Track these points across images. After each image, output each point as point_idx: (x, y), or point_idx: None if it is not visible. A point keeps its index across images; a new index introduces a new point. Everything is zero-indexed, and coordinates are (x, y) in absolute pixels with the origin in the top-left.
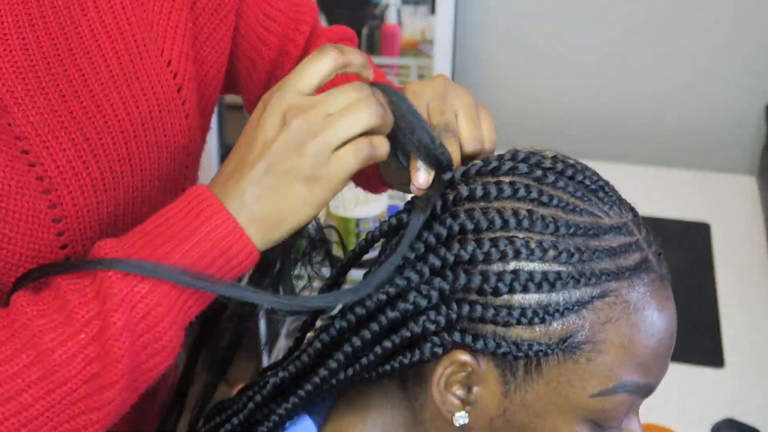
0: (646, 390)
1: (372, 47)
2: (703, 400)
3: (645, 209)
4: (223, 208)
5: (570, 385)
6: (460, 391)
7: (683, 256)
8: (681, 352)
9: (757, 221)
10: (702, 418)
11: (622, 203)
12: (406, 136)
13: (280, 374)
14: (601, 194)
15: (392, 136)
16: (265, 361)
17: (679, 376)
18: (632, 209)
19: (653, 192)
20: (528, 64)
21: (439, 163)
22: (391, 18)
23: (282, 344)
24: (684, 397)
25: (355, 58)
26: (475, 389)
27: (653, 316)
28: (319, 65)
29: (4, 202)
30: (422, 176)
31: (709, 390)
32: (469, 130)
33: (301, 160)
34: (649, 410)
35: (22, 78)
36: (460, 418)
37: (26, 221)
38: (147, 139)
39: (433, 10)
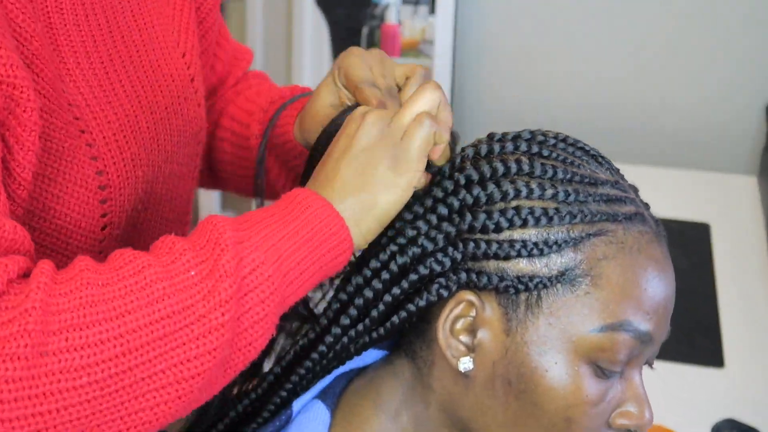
0: (646, 337)
1: (372, 47)
2: (703, 400)
3: None
4: (326, 201)
5: (569, 320)
6: (465, 338)
7: (683, 256)
8: (681, 352)
9: (757, 221)
10: (702, 418)
11: (620, 174)
12: None
13: (300, 342)
14: (600, 160)
15: None
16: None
17: (679, 376)
18: (632, 184)
19: (653, 192)
20: (528, 64)
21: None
22: (391, 18)
23: (282, 343)
24: (684, 397)
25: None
26: (479, 333)
27: (649, 262)
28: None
29: (57, 163)
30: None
31: (709, 390)
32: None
33: (381, 145)
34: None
35: (74, 53)
36: (465, 362)
37: (75, 183)
38: (170, 122)
39: (433, 10)
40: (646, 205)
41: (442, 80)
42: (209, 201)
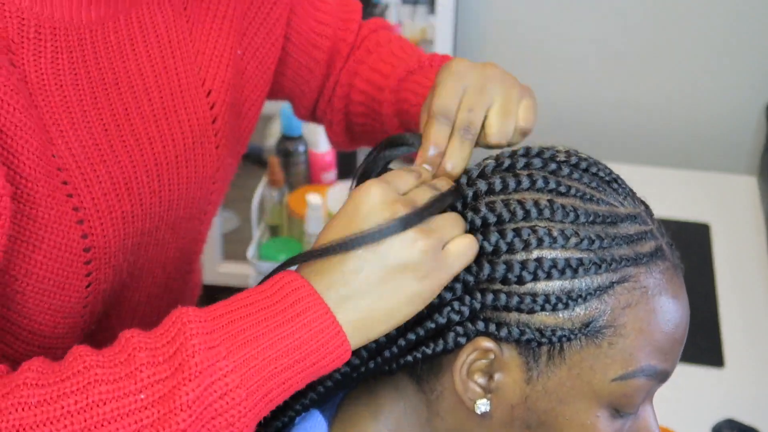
0: (663, 375)
1: None
2: (703, 400)
3: None
4: (322, 302)
5: (592, 370)
6: (481, 379)
7: (683, 256)
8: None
9: (757, 221)
10: (702, 418)
11: (634, 195)
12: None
13: None
14: (615, 185)
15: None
16: None
17: (679, 376)
18: (643, 202)
19: (653, 192)
20: (528, 65)
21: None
22: (391, 18)
23: None
24: (684, 397)
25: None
26: (497, 376)
27: (669, 302)
28: (409, 178)
29: (42, 231)
30: None
31: (709, 390)
32: (496, 125)
33: (417, 254)
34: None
35: (70, 112)
36: (482, 405)
37: (59, 249)
38: (179, 171)
39: (433, 10)
40: (661, 230)
41: None
42: None
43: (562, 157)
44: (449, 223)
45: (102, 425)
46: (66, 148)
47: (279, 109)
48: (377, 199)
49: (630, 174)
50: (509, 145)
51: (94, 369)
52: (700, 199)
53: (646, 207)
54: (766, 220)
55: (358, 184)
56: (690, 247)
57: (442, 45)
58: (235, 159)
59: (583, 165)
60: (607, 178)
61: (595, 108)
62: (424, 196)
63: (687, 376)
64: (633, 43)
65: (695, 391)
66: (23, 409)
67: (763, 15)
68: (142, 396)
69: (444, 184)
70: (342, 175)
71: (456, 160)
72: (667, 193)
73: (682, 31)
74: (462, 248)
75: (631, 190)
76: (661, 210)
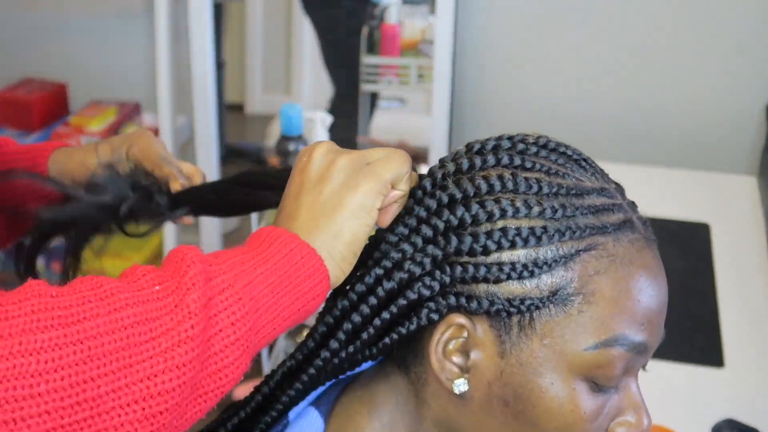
0: (641, 347)
1: (372, 47)
2: (703, 400)
3: (645, 209)
4: (292, 233)
5: (563, 339)
6: (458, 359)
7: (683, 256)
8: (681, 352)
9: (757, 221)
10: (702, 418)
11: (605, 175)
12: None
13: (288, 363)
14: (583, 164)
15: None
16: (265, 360)
17: (679, 376)
18: (617, 184)
19: (653, 192)
20: (528, 65)
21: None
22: (391, 18)
23: (281, 344)
24: (684, 397)
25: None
26: (472, 354)
27: (641, 271)
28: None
29: None
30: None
31: (709, 390)
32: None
33: (341, 173)
34: (649, 410)
35: None
36: (460, 384)
37: None
38: None
39: (433, 10)
40: (634, 206)
41: (442, 80)
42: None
43: (530, 140)
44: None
45: (124, 308)
46: None
47: (279, 109)
48: (320, 152)
49: (630, 174)
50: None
51: (101, 277)
52: (700, 199)
53: (618, 186)
54: (766, 220)
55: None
56: (690, 247)
57: (442, 45)
58: None
59: (552, 145)
60: (575, 157)
61: (595, 108)
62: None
63: (687, 376)
64: (633, 43)
65: (695, 391)
66: (42, 298)
67: (763, 15)
68: (157, 288)
69: None
70: None
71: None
72: (667, 193)
73: (682, 31)
74: (386, 155)
75: (601, 170)
76: (661, 210)
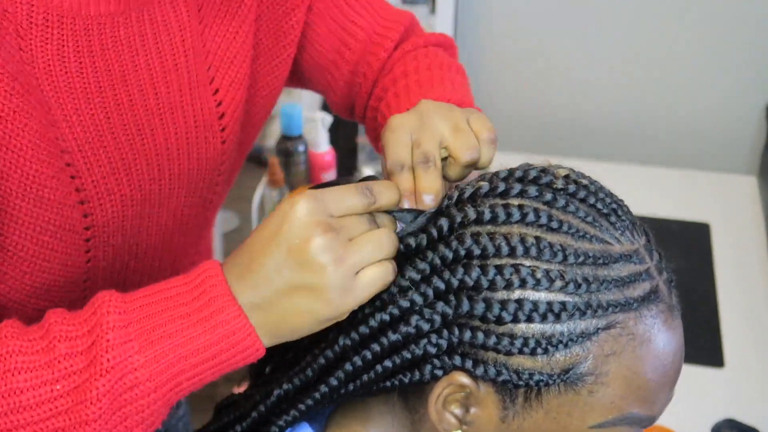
0: (647, 422)
1: None
2: (703, 400)
3: (645, 209)
4: (236, 304)
5: (569, 416)
6: (457, 410)
7: (683, 256)
8: None
9: (757, 221)
10: (702, 418)
11: (635, 227)
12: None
13: (285, 386)
14: (613, 218)
15: None
16: None
17: (680, 376)
18: (645, 233)
19: (653, 192)
20: (528, 64)
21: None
22: None
23: None
24: (684, 397)
25: (385, 199)
26: (472, 410)
27: (659, 349)
28: (354, 200)
29: (47, 211)
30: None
31: (709, 390)
32: (458, 144)
33: (326, 280)
34: None
35: (74, 98)
36: None
37: (63, 229)
38: (180, 162)
39: (433, 10)
40: (660, 266)
41: None
42: None
43: (559, 185)
44: (374, 243)
45: (20, 411)
46: (70, 131)
47: (279, 109)
48: (300, 218)
49: (630, 174)
50: (483, 163)
51: (16, 356)
52: (700, 199)
53: (648, 240)
54: (766, 220)
55: None
56: (690, 247)
57: None
58: (241, 155)
59: (581, 194)
60: (605, 210)
61: (595, 108)
62: (356, 229)
63: (687, 376)
64: (633, 42)
65: (695, 391)
66: None
67: (762, 15)
68: (58, 387)
69: (388, 223)
70: (342, 175)
71: (427, 188)
72: (667, 193)
73: (682, 31)
74: (375, 278)
75: (631, 222)
76: (661, 210)
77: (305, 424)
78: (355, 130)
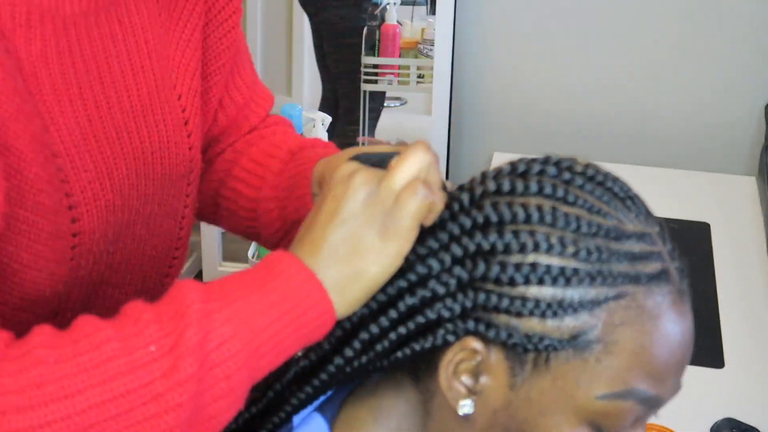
0: (654, 402)
1: (372, 47)
2: (703, 400)
3: None
4: (299, 261)
5: (577, 384)
6: (467, 380)
7: (683, 256)
8: None
9: (757, 221)
10: (702, 418)
11: (649, 216)
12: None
13: (302, 363)
14: (629, 203)
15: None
16: None
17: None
18: (660, 224)
19: (653, 192)
20: (528, 65)
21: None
22: (391, 18)
23: None
24: (684, 397)
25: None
26: (482, 379)
27: (668, 327)
28: (412, 169)
29: (42, 220)
30: None
31: (709, 390)
32: None
33: (370, 211)
34: None
35: (59, 100)
36: (465, 406)
37: (54, 236)
38: (154, 167)
39: (433, 10)
40: (673, 253)
41: (442, 80)
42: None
43: (578, 169)
44: (404, 171)
45: (117, 378)
46: (58, 135)
47: (279, 110)
48: (359, 203)
49: (630, 174)
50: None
51: (105, 330)
52: (700, 199)
53: (662, 229)
54: (766, 220)
55: None
56: (690, 247)
57: (442, 45)
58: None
59: (599, 178)
60: (621, 195)
61: (595, 108)
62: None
63: (687, 376)
64: (632, 43)
65: (695, 391)
66: (42, 367)
67: (762, 15)
68: (152, 348)
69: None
70: None
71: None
72: (667, 193)
73: (681, 31)
74: (408, 195)
75: (647, 210)
76: (661, 210)
77: (316, 414)
78: (355, 129)
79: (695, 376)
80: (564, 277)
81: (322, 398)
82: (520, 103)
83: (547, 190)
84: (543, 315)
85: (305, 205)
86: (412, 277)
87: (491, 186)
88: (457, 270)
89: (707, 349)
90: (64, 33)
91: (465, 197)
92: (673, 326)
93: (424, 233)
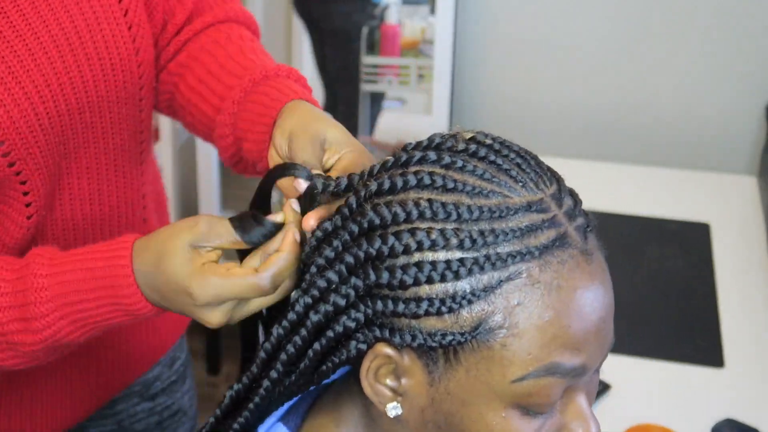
0: (577, 371)
1: (372, 47)
2: (703, 400)
3: (645, 209)
4: (132, 274)
5: (489, 372)
6: (391, 382)
7: (683, 256)
8: (681, 352)
9: (757, 221)
10: (702, 418)
11: (541, 178)
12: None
13: (235, 387)
14: (514, 172)
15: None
16: None
17: (679, 376)
18: (557, 181)
19: (653, 192)
20: (528, 65)
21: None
22: (391, 18)
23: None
24: (684, 397)
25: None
26: (403, 380)
27: (573, 295)
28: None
29: None
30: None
31: (709, 390)
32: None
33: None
34: (649, 410)
35: None
36: (393, 408)
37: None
38: (85, 50)
39: (433, 10)
40: (573, 212)
41: (442, 80)
42: (209, 200)
43: (460, 147)
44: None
45: None
46: None
47: None
48: (178, 259)
49: (630, 174)
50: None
51: None
52: (700, 199)
53: (559, 189)
54: (766, 220)
55: (252, 210)
56: (690, 247)
57: (442, 45)
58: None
59: (482, 152)
60: (506, 166)
61: (595, 108)
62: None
63: (687, 376)
64: (633, 42)
65: (695, 391)
66: None
67: (763, 15)
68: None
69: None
70: None
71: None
72: (667, 193)
73: (682, 30)
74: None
75: (536, 173)
76: (661, 210)
77: (280, 424)
78: (354, 127)
79: (695, 376)
80: (451, 271)
81: (285, 408)
82: (521, 102)
83: (425, 180)
84: (439, 312)
85: (260, 148)
86: (315, 292)
87: (372, 187)
88: (353, 280)
89: (707, 349)
90: None
91: (353, 200)
92: (579, 293)
93: (322, 242)
